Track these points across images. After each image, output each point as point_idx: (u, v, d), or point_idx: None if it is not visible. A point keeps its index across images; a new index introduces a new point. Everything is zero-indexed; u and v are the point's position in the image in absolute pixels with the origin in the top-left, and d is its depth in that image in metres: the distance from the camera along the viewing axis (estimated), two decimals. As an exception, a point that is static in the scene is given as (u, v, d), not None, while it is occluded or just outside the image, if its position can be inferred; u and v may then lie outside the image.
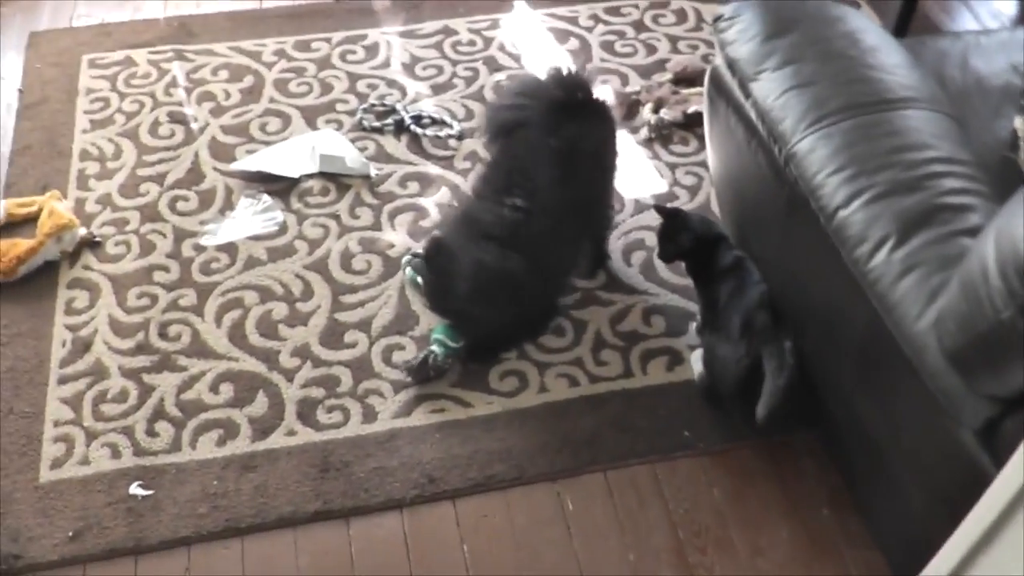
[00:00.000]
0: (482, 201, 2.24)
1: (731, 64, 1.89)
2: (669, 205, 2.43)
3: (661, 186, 2.65)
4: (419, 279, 2.34)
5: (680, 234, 2.15)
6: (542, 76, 2.30)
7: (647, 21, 3.18)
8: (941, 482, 1.58)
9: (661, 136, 2.77)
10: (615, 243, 2.49)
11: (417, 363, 2.19)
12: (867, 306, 1.57)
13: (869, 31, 1.85)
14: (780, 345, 1.93)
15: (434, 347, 2.19)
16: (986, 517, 1.20)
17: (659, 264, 2.42)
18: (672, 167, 2.70)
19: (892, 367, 1.56)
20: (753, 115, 1.82)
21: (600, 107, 2.30)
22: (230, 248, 2.49)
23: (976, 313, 1.31)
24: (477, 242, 2.15)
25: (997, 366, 1.34)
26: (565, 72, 2.26)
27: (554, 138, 2.15)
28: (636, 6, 3.23)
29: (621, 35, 3.13)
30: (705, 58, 2.98)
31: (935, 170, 1.60)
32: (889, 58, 1.80)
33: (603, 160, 2.33)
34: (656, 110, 2.80)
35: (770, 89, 1.77)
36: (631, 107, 2.84)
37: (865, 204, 1.57)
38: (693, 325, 2.29)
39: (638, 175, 2.67)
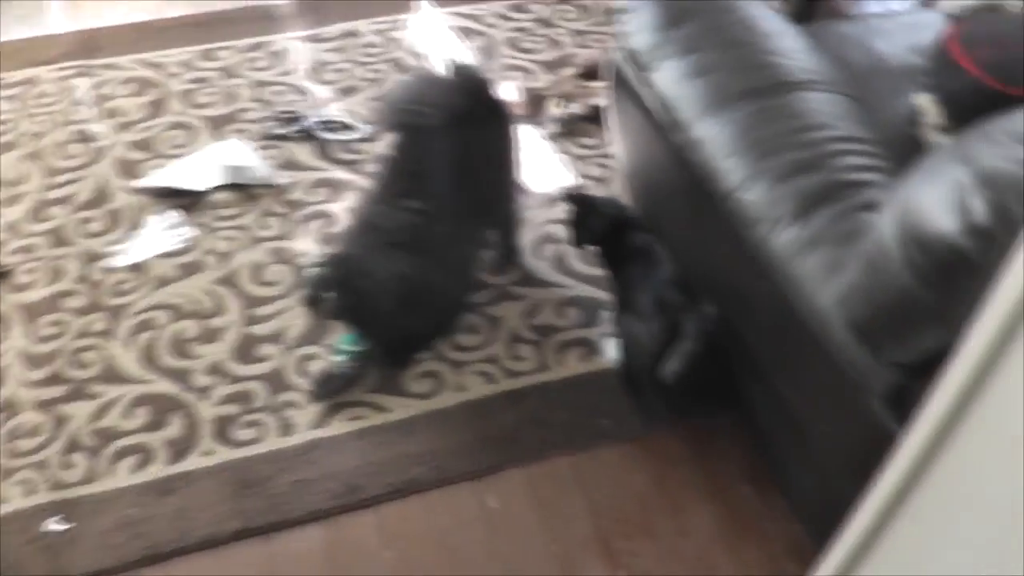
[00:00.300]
0: (379, 205, 2.19)
1: (631, 55, 1.90)
2: (577, 191, 2.44)
3: (570, 180, 2.65)
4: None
5: (591, 218, 2.16)
6: (441, 75, 2.28)
7: (551, 17, 3.19)
8: (854, 451, 1.60)
9: (568, 130, 2.77)
10: (525, 238, 2.49)
11: (323, 377, 2.16)
12: (773, 285, 1.59)
13: (766, 18, 1.87)
14: (701, 311, 1.92)
15: (339, 358, 2.17)
16: (893, 480, 1.22)
17: (570, 256, 2.43)
18: (581, 160, 2.71)
19: (800, 343, 1.58)
20: (654, 104, 1.83)
21: (497, 107, 2.28)
22: (140, 267, 2.44)
23: (878, 284, 1.34)
24: (385, 252, 2.11)
25: (901, 335, 1.37)
26: (463, 73, 2.24)
27: (451, 142, 2.13)
28: (540, 2, 3.24)
29: (526, 31, 3.14)
30: (609, 52, 2.99)
31: (834, 149, 1.63)
32: (786, 43, 1.83)
33: (501, 159, 2.32)
34: (563, 104, 2.80)
35: (669, 78, 1.79)
36: (538, 102, 2.84)
37: (765, 185, 1.60)
38: (607, 313, 2.30)
39: (547, 170, 2.67)
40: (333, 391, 2.16)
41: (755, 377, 1.92)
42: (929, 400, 1.14)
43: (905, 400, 1.42)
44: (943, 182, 1.22)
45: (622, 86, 1.99)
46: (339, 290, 2.08)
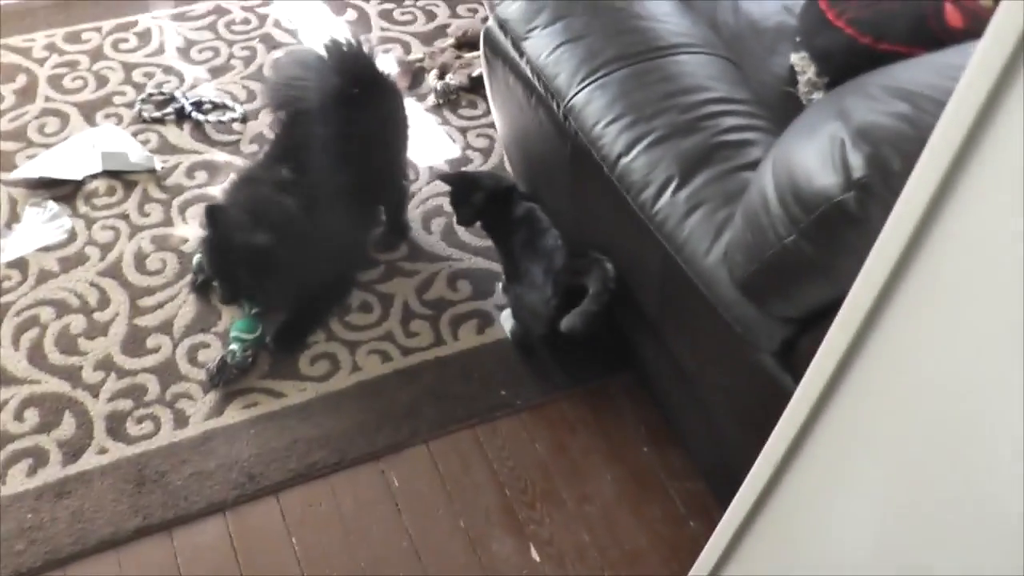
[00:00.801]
0: (259, 170, 2.19)
1: (502, 24, 1.89)
2: (451, 171, 2.45)
3: (454, 151, 2.63)
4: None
5: (472, 195, 2.15)
6: (321, 52, 2.23)
7: (424, -13, 3.15)
8: (749, 407, 1.65)
9: (449, 101, 2.76)
10: (414, 212, 2.47)
11: (216, 366, 2.11)
12: (659, 248, 1.61)
13: (636, -18, 1.88)
14: (603, 266, 1.91)
15: (232, 345, 2.13)
16: (788, 432, 1.25)
17: (459, 229, 2.41)
18: (463, 131, 2.69)
19: (690, 303, 1.61)
20: (529, 73, 1.83)
21: (383, 83, 2.25)
22: (20, 263, 2.33)
23: (761, 242, 1.37)
24: (244, 217, 2.07)
25: (786, 290, 1.40)
26: (345, 49, 2.20)
27: (332, 121, 2.10)
28: (413, -28, 3.19)
29: (399, 2, 3.10)
30: (485, 21, 2.97)
31: (712, 110, 1.65)
32: (658, 7, 1.84)
33: (387, 136, 2.29)
34: (441, 76, 2.78)
35: (542, 46, 1.78)
36: (416, 75, 2.82)
37: (645, 149, 1.61)
38: (500, 285, 2.30)
39: (430, 142, 2.64)
40: (227, 379, 2.11)
41: (648, 336, 1.95)
42: (820, 351, 1.17)
43: (795, 353, 1.46)
44: (820, 138, 1.24)
45: (496, 55, 1.98)
46: (204, 240, 2.10)
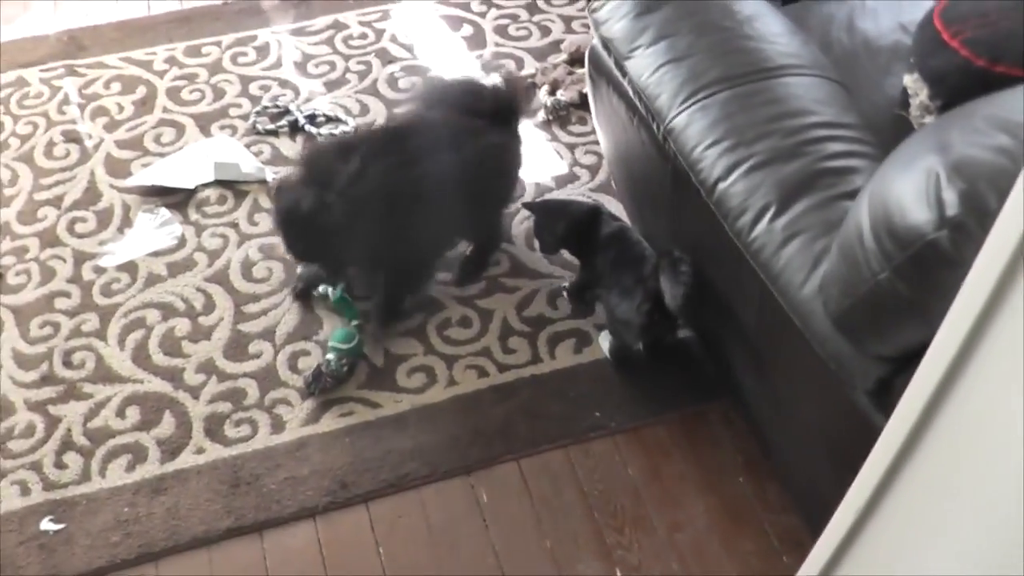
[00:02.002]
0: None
1: (606, 43, 1.87)
2: (535, 199, 2.46)
3: (561, 167, 2.63)
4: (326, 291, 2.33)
5: (555, 224, 2.15)
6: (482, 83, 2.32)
7: (540, 3, 3.15)
8: (843, 445, 1.59)
9: (559, 117, 2.75)
10: (517, 228, 2.47)
11: (312, 374, 2.16)
12: (755, 276, 1.57)
13: (745, 1, 1.84)
14: (671, 255, 1.89)
15: (329, 355, 2.17)
16: (873, 475, 1.21)
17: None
18: (571, 148, 2.68)
19: (785, 335, 1.56)
20: (631, 93, 1.80)
21: (505, 139, 2.30)
22: (130, 267, 2.43)
23: (855, 276, 1.31)
24: (307, 187, 2.12)
25: (880, 327, 1.35)
26: (495, 91, 2.28)
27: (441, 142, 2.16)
28: (528, -12, 3.21)
29: (515, 18, 3.10)
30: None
31: (816, 135, 1.60)
32: (767, 26, 1.79)
33: (483, 185, 2.28)
34: (552, 92, 2.78)
35: (645, 66, 1.76)
36: (527, 91, 2.81)
37: (745, 174, 1.57)
38: (564, 292, 2.32)
39: (538, 158, 2.64)
40: (323, 388, 2.15)
41: (748, 365, 1.90)
42: (907, 394, 1.12)
43: (890, 393, 1.40)
44: (916, 171, 1.19)
45: (600, 74, 1.97)
46: (284, 225, 2.17)
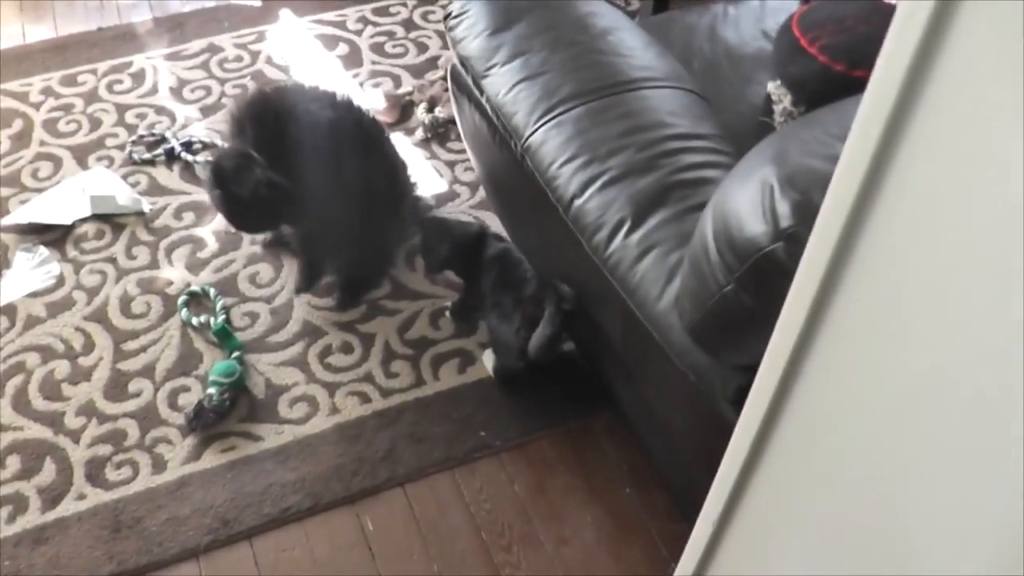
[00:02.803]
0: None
1: (464, 62, 1.86)
2: (424, 216, 2.44)
3: (441, 185, 2.61)
4: (194, 320, 2.30)
5: (440, 244, 2.14)
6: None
7: (416, 19, 3.14)
8: (714, 453, 1.59)
9: (437, 135, 2.74)
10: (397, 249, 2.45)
11: (194, 410, 2.11)
12: (617, 292, 1.57)
13: (601, 14, 1.85)
14: (556, 288, 1.91)
15: (210, 389, 2.12)
16: (727, 481, 1.22)
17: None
18: (451, 165, 2.67)
19: (648, 349, 1.57)
20: (490, 111, 1.80)
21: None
22: (8, 309, 2.34)
23: (704, 289, 1.33)
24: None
25: (732, 338, 1.36)
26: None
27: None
28: (404, 4, 3.19)
29: (391, 35, 3.09)
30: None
31: (670, 147, 1.61)
32: (621, 40, 1.80)
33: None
34: (430, 109, 2.77)
35: (501, 84, 1.75)
36: (404, 108, 2.80)
37: (599, 190, 1.57)
38: (448, 312, 2.31)
39: (416, 176, 2.62)
40: (205, 424, 2.10)
41: (622, 377, 1.91)
42: (748, 403, 1.14)
43: (751, 400, 1.42)
44: (753, 183, 1.20)
45: (462, 92, 1.96)
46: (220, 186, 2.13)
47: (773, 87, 1.96)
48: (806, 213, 1.13)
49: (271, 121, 2.14)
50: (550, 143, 1.65)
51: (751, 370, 1.39)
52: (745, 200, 1.21)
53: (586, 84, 1.69)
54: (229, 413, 2.13)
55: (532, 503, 2.02)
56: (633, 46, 1.80)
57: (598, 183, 1.58)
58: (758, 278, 1.20)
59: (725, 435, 1.46)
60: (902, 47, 0.73)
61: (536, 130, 1.67)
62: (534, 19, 1.81)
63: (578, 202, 1.58)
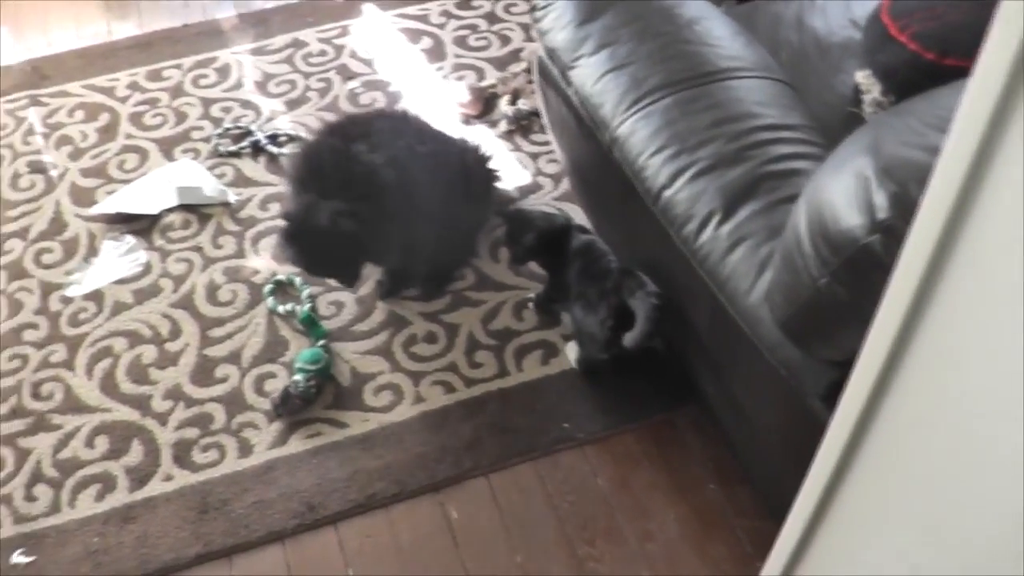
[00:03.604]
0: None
1: (551, 53, 1.85)
2: (509, 208, 2.43)
3: (525, 177, 2.61)
4: (280, 308, 2.34)
5: (525, 235, 2.14)
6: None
7: (499, 12, 3.15)
8: (802, 450, 1.56)
9: (521, 127, 2.74)
10: (482, 241, 2.46)
11: (280, 397, 2.14)
12: (706, 284, 1.56)
13: (687, 4, 1.83)
14: (642, 284, 1.88)
15: (296, 376, 2.16)
16: (822, 477, 1.20)
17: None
18: (534, 157, 2.67)
19: (738, 342, 1.55)
20: (577, 103, 1.79)
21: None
22: (96, 296, 2.42)
23: (797, 283, 1.30)
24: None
25: (825, 332, 1.34)
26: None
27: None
28: (486, -2, 3.20)
29: (474, 29, 3.10)
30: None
31: (760, 138, 1.59)
32: (708, 30, 1.78)
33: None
34: (513, 101, 2.77)
35: (588, 75, 1.74)
36: (488, 101, 2.81)
37: (688, 181, 1.56)
38: (531, 304, 2.31)
39: (500, 168, 2.63)
40: (291, 410, 2.14)
41: (706, 370, 1.89)
42: (843, 399, 1.12)
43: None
44: (848, 175, 1.18)
45: (548, 84, 1.95)
46: (294, 244, 2.08)
47: (862, 76, 1.91)
48: (903, 205, 1.11)
49: (330, 170, 2.08)
50: (638, 134, 1.63)
51: (843, 366, 1.37)
52: (840, 191, 1.19)
53: (674, 74, 1.67)
54: (315, 400, 2.17)
55: (615, 497, 2.01)
56: (720, 35, 1.77)
57: (687, 174, 1.56)
58: (854, 271, 1.18)
59: (814, 432, 1.44)
60: (1009, 34, 0.70)
61: (624, 121, 1.66)
62: (620, 9, 1.80)
63: (667, 193, 1.57)
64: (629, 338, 1.90)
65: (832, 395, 1.41)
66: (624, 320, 1.92)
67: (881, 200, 1.12)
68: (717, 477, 2.03)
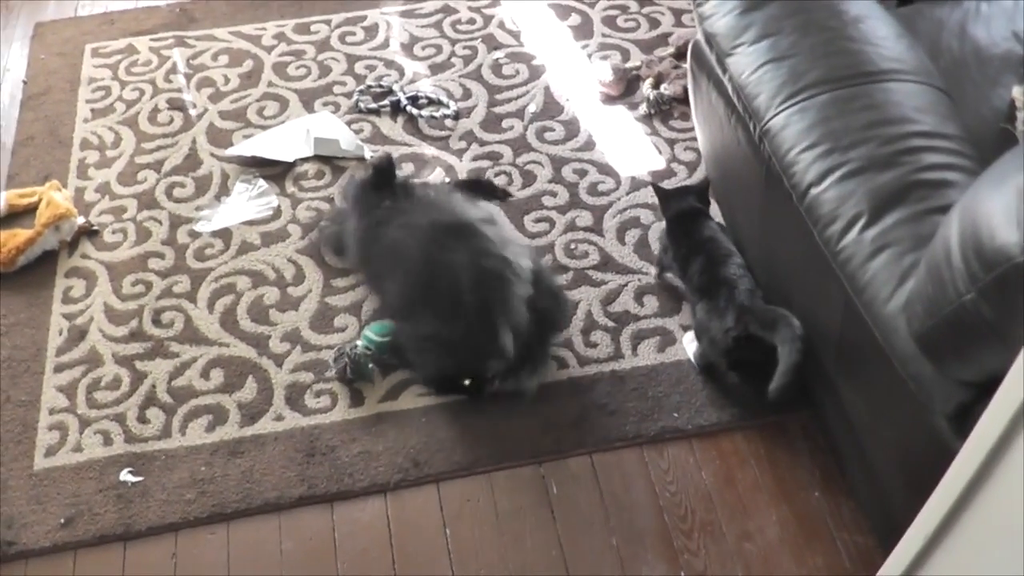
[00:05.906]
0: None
1: (709, 39, 1.83)
2: (665, 183, 2.40)
3: (659, 162, 2.59)
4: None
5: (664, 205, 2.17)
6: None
7: (652, -6, 3.12)
8: (918, 469, 1.53)
9: (660, 111, 2.71)
10: (610, 221, 2.45)
11: (335, 355, 2.19)
12: (841, 287, 1.52)
13: (852, 1, 1.78)
14: (790, 324, 1.85)
15: (359, 341, 2.19)
16: (947, 499, 1.17)
17: (653, 242, 2.38)
18: (671, 143, 2.65)
19: (867, 351, 1.51)
20: (731, 91, 1.77)
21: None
22: (224, 234, 2.50)
23: (940, 296, 1.26)
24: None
25: (963, 351, 1.30)
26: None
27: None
28: (641, -21, 3.17)
29: (624, 9, 3.08)
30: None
31: (913, 145, 1.55)
32: (873, 29, 1.73)
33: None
34: (656, 85, 2.74)
35: (746, 63, 1.72)
36: (630, 82, 2.79)
37: (838, 181, 1.53)
38: (686, 304, 2.27)
39: (635, 151, 2.61)
40: (341, 373, 2.17)
41: (826, 377, 1.85)
42: (982, 421, 1.08)
43: (971, 419, 1.34)
44: (1008, 190, 1.14)
45: (701, 70, 1.93)
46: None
47: (1019, 92, 1.84)
48: (1067, 226, 1.06)
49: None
50: (792, 128, 1.61)
51: (976, 387, 1.33)
52: (998, 207, 1.14)
53: (834, 71, 1.64)
54: (368, 374, 2.17)
55: (718, 493, 1.99)
56: (884, 36, 1.73)
57: (837, 174, 1.53)
58: (1003, 290, 1.14)
59: (935, 450, 1.41)
60: None
61: (778, 113, 1.63)
62: (786, 1, 1.76)
63: (815, 191, 1.54)
64: (773, 390, 1.86)
65: (960, 416, 1.37)
66: (750, 341, 1.91)
67: (1042, 219, 1.08)
68: (823, 486, 1.99)
